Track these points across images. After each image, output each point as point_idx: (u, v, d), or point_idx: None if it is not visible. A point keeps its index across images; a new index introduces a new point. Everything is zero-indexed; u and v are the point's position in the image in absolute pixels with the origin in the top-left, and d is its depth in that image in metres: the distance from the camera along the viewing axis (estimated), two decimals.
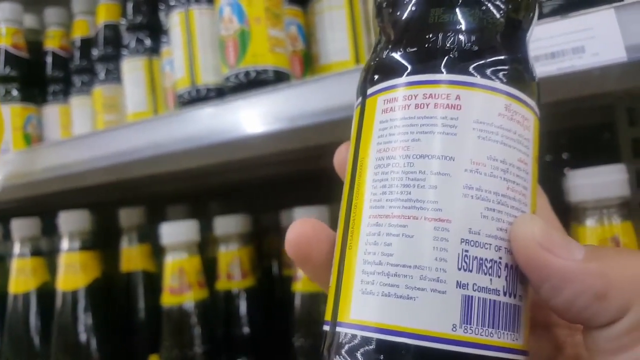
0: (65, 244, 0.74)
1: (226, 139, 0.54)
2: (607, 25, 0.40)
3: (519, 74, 0.23)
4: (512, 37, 0.24)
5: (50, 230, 0.82)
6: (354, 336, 0.21)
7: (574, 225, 0.48)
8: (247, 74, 0.56)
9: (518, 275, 0.22)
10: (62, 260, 0.74)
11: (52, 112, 0.96)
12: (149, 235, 0.81)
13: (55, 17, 0.98)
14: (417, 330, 0.20)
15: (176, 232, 0.67)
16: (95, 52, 0.87)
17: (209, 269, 0.76)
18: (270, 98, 0.52)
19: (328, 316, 0.23)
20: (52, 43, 0.97)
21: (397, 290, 0.21)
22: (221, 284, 0.75)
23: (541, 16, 0.47)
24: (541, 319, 0.27)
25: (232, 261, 0.76)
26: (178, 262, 0.67)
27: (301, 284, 0.65)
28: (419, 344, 0.20)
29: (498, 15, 0.23)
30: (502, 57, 0.23)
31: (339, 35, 0.63)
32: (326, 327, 0.23)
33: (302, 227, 0.25)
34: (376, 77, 0.24)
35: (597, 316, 0.20)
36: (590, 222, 0.46)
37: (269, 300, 0.78)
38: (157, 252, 0.78)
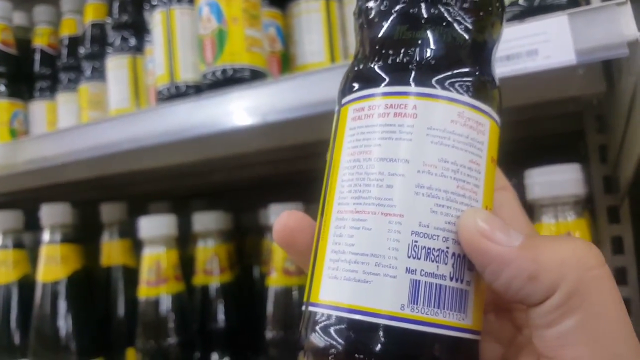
0: (46, 236, 0.75)
1: (202, 133, 0.56)
2: (560, 30, 0.42)
3: (473, 84, 0.25)
4: (467, 52, 0.26)
5: (33, 226, 0.84)
6: (321, 314, 0.24)
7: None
8: (223, 71, 0.58)
9: (466, 263, 0.24)
10: (43, 252, 0.74)
11: (38, 108, 0.97)
12: (130, 231, 0.83)
13: (44, 15, 1.00)
14: (370, 308, 0.23)
15: (154, 225, 0.69)
16: (82, 50, 0.89)
17: (190, 266, 0.78)
18: (244, 95, 0.54)
19: (305, 298, 0.26)
20: (40, 40, 0.99)
21: (356, 275, 0.24)
22: (198, 279, 0.77)
23: None
24: (504, 303, 0.29)
25: (210, 257, 0.77)
26: (155, 255, 0.69)
27: (274, 279, 0.66)
28: (371, 320, 0.23)
29: (453, 34, 0.26)
30: (457, 70, 0.25)
31: (316, 37, 0.65)
32: (303, 308, 0.26)
33: (288, 218, 0.29)
34: (348, 88, 0.27)
35: (531, 295, 0.22)
36: (546, 219, 0.48)
37: (246, 296, 0.80)
38: (138, 248, 0.80)
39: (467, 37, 0.26)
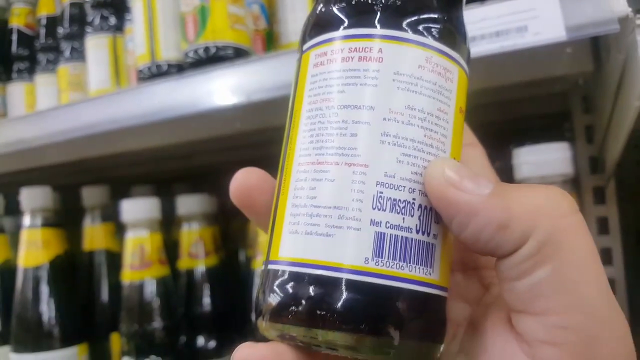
0: (27, 220, 0.73)
1: (185, 113, 0.55)
2: (550, 6, 0.41)
3: (442, 28, 0.24)
4: None
5: (13, 210, 0.82)
6: (281, 272, 0.23)
7: None
8: (206, 49, 0.57)
9: (433, 216, 0.23)
10: (24, 236, 0.73)
11: (17, 90, 0.95)
12: (112, 215, 0.81)
13: None
14: (332, 263, 0.22)
15: (137, 209, 0.68)
16: (60, 30, 0.86)
17: (175, 250, 0.77)
18: (228, 73, 0.53)
19: (264, 258, 0.25)
20: (17, 21, 0.96)
21: (318, 228, 0.22)
22: (183, 263, 0.76)
23: None
24: (471, 262, 0.28)
25: (194, 241, 0.76)
26: (139, 239, 0.68)
27: (260, 262, 0.66)
28: (333, 275, 0.22)
29: None
30: (424, 13, 0.24)
31: (300, 15, 0.64)
32: (262, 268, 0.25)
33: (245, 176, 0.27)
34: (309, 33, 0.26)
35: (501, 246, 0.21)
36: None
37: (231, 279, 0.79)
38: (121, 231, 0.78)
39: None
